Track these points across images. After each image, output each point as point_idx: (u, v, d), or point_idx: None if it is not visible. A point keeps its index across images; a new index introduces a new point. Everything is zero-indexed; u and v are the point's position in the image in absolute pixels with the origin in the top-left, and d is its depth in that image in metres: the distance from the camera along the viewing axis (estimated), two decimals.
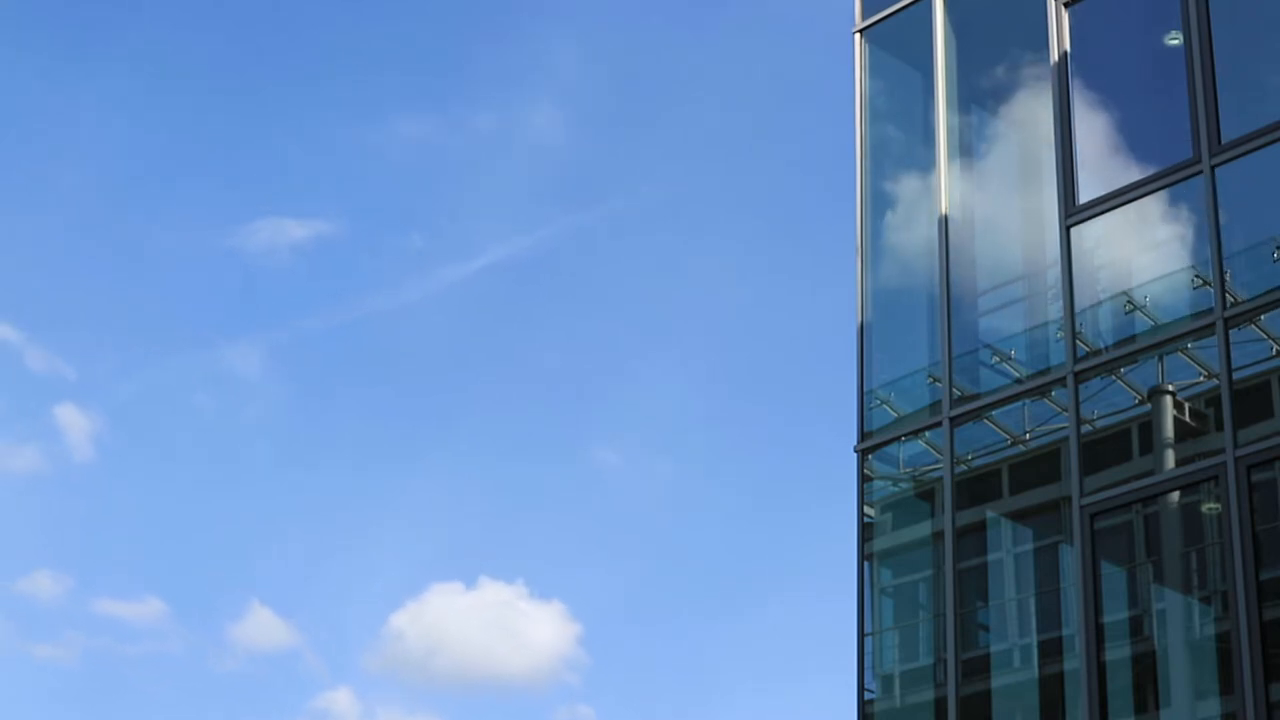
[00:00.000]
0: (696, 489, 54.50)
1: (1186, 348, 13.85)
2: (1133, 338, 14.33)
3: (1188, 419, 13.71)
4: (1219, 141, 13.98)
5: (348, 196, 55.30)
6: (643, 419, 54.24)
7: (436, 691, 52.42)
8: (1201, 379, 13.68)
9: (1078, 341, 14.40)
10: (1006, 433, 14.94)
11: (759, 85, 54.19)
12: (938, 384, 15.28)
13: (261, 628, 52.56)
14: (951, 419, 14.99)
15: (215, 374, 54.04)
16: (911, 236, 16.50)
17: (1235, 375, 13.29)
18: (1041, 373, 14.78)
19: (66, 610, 51.44)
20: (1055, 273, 14.80)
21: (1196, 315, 13.78)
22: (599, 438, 55.37)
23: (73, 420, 52.97)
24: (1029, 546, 15.06)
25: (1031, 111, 15.81)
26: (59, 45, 53.45)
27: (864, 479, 15.60)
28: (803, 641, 51.17)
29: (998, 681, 14.55)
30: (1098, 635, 13.34)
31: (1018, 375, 15.02)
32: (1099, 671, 13.24)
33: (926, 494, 15.39)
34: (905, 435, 15.58)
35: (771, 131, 54.61)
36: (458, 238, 55.55)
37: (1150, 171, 14.48)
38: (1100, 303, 14.71)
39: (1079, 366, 14.24)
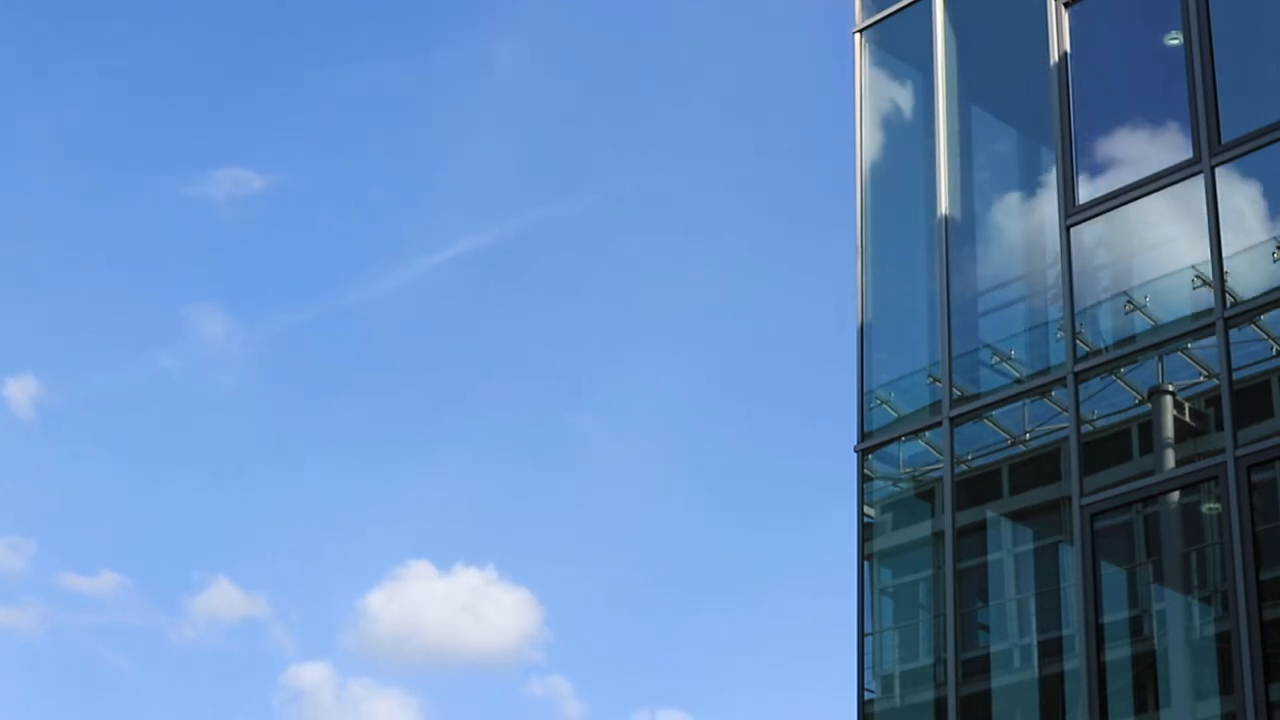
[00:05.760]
0: (693, 488, 54.48)
1: (1186, 348, 13.85)
2: (1133, 338, 14.32)
3: (1188, 419, 13.71)
4: (1219, 141, 13.97)
5: (308, 147, 54.43)
6: (633, 416, 54.15)
7: (409, 669, 52.52)
8: (1201, 379, 13.67)
9: (1078, 341, 14.39)
10: (1006, 433, 14.93)
11: (760, 85, 54.22)
12: (938, 384, 15.28)
13: (224, 600, 52.49)
14: (951, 419, 14.98)
15: (181, 343, 53.67)
16: (911, 236, 16.50)
17: (1235, 375, 13.29)
18: (1041, 373, 14.77)
19: (30, 579, 51.28)
20: (1055, 273, 14.79)
21: (1196, 315, 13.77)
22: (585, 431, 55.25)
23: (25, 390, 52.58)
24: (1029, 546, 15.06)
25: (1031, 111, 15.81)
26: None
27: (864, 479, 15.60)
28: (803, 641, 51.18)
29: (998, 681, 14.55)
30: (1098, 635, 13.33)
31: (1018, 375, 15.02)
32: (1099, 671, 13.23)
33: (926, 494, 15.39)
34: (905, 435, 15.58)
35: (772, 131, 54.63)
36: (430, 226, 55.15)
37: (1150, 171, 14.47)
38: (1100, 303, 14.71)
39: (1079, 366, 14.23)
